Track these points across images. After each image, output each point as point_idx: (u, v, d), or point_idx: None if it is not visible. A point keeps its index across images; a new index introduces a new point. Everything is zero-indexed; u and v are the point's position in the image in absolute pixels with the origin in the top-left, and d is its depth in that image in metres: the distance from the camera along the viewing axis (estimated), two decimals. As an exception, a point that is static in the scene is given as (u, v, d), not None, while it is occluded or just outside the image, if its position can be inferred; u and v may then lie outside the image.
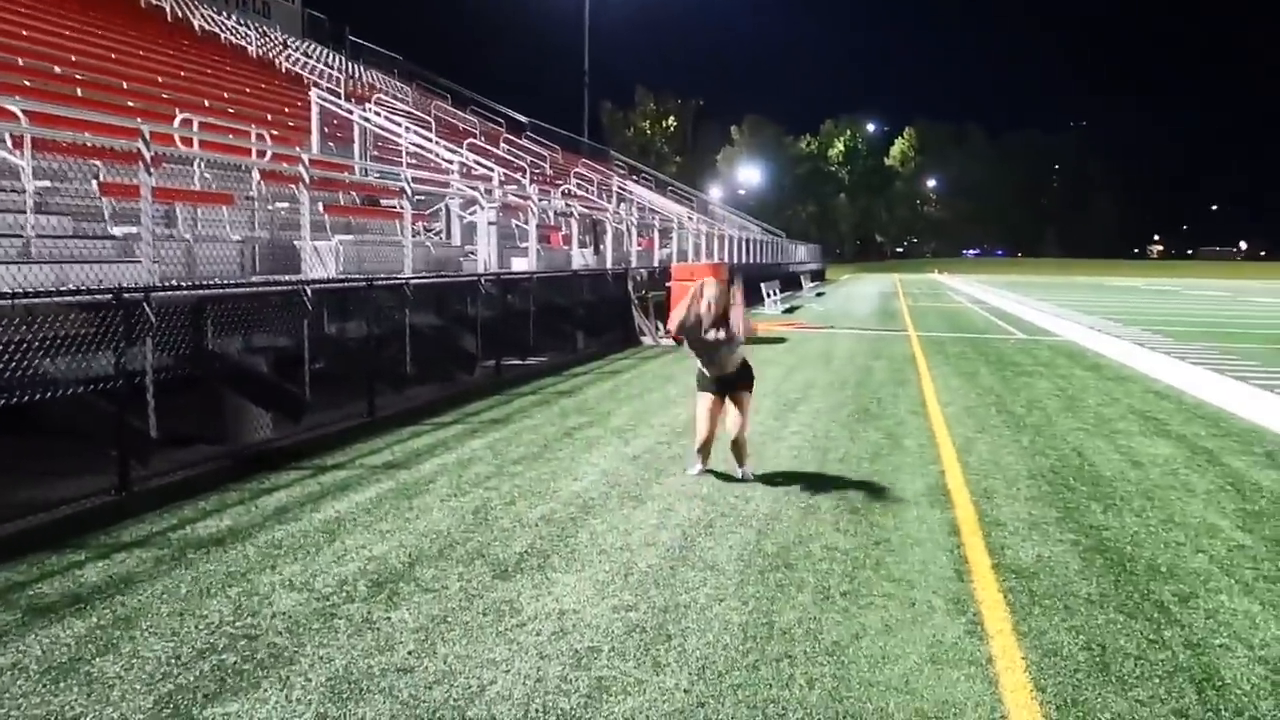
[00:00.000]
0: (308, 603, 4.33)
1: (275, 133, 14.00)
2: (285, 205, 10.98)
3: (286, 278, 8.76)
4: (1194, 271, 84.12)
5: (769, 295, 28.13)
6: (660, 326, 17.17)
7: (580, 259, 17.14)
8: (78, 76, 15.10)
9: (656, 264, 20.81)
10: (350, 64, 35.85)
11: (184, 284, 7.12)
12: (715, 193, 79.22)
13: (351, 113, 18.13)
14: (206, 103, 17.18)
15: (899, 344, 17.10)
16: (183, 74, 19.89)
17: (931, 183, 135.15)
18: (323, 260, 9.58)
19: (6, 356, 5.30)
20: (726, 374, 6.75)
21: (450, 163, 17.52)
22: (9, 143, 7.78)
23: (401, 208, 11.32)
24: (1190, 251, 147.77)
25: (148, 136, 6.88)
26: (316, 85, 22.62)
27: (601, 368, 13.17)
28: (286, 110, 20.48)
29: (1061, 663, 3.82)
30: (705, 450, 6.84)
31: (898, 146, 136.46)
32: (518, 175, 21.10)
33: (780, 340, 17.40)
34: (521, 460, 7.29)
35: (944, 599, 4.48)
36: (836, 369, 13.18)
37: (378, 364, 9.03)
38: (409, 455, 7.42)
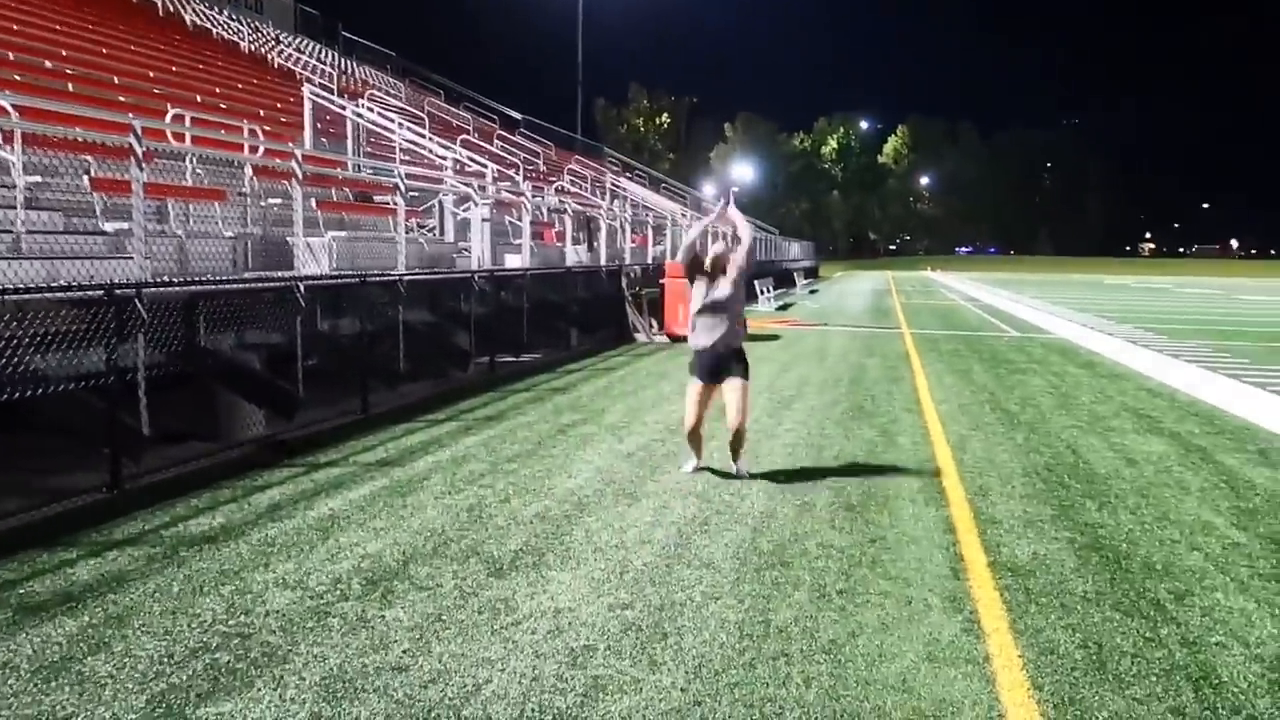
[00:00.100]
0: (301, 601, 4.30)
1: (268, 128, 13.96)
2: (278, 201, 10.94)
3: (279, 274, 8.72)
4: (1186, 269, 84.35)
5: (763, 292, 28.16)
6: (654, 323, 17.15)
7: (574, 256, 17.10)
8: (69, 71, 14.99)
9: (650, 261, 20.78)
10: (343, 60, 35.73)
11: (176, 280, 7.08)
12: (709, 190, 79.18)
13: (344, 108, 18.05)
14: (198, 98, 17.08)
15: (892, 341, 17.12)
16: (174, 69, 19.78)
17: (924, 180, 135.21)
18: (316, 256, 9.53)
19: (-3, 353, 5.26)
20: (718, 348, 6.53)
21: (444, 159, 17.46)
22: (-1, 138, 7.73)
23: (395, 204, 11.28)
24: (1186, 250, 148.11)
25: (139, 132, 6.84)
26: (309, 81, 22.54)
27: (595, 365, 13.14)
28: (279, 106, 20.38)
29: (1058, 661, 3.82)
30: (694, 442, 6.77)
31: (891, 144, 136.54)
32: (511, 172, 21.06)
33: (774, 337, 17.40)
34: (516, 457, 7.26)
35: (940, 597, 4.48)
36: (830, 366, 13.18)
37: (371, 361, 8.99)
38: (403, 452, 7.39)
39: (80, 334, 5.73)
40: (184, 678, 3.53)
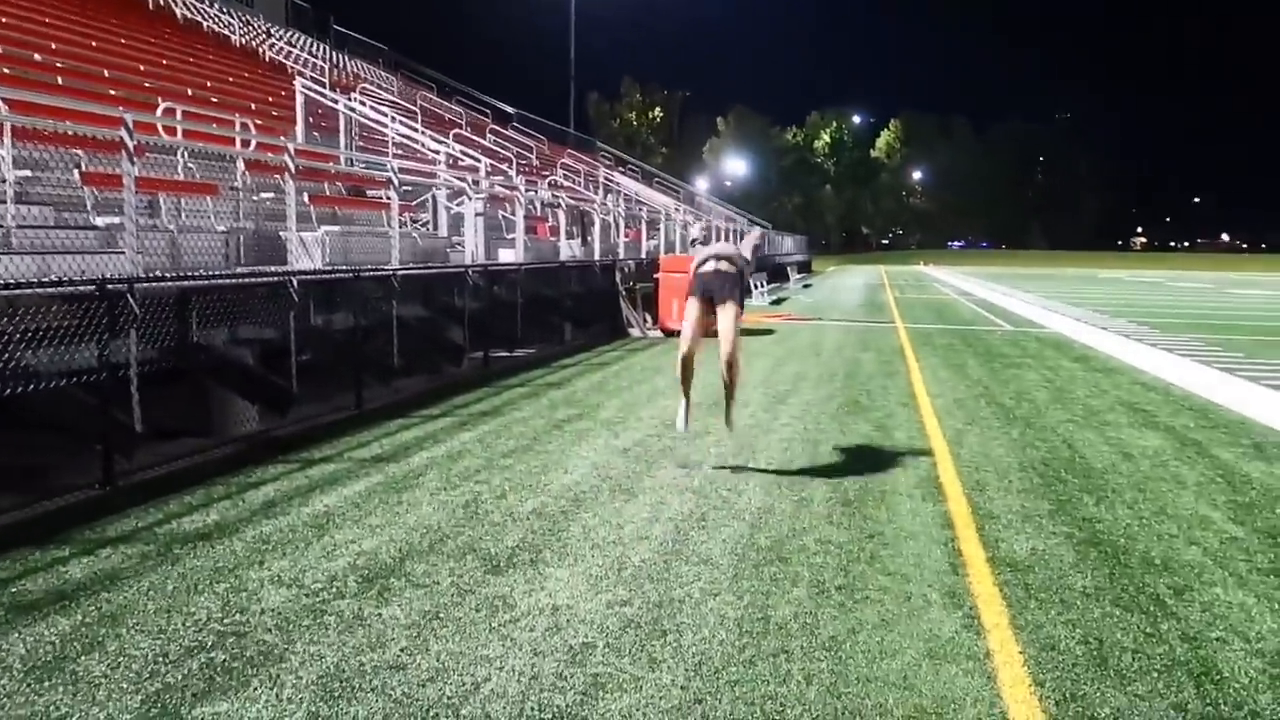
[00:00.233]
0: (297, 599, 4.26)
1: (259, 122, 13.85)
2: (270, 196, 10.86)
3: (272, 269, 8.65)
4: (1178, 263, 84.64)
5: (756, 287, 28.17)
6: (649, 318, 17.12)
7: (568, 250, 17.05)
8: (58, 64, 14.85)
9: (644, 255, 20.74)
10: (335, 53, 35.47)
11: (168, 275, 7.02)
12: (702, 184, 79.17)
13: (336, 102, 17.93)
14: (189, 91, 16.96)
15: (887, 336, 17.11)
16: (165, 63, 19.62)
17: (917, 174, 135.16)
18: (309, 251, 9.47)
19: (-13, 349, 5.20)
20: (721, 266, 6.80)
21: (436, 153, 17.37)
22: (-12, 131, 7.64)
23: (388, 198, 11.22)
24: (1178, 245, 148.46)
25: (130, 125, 6.77)
26: (301, 74, 22.40)
27: (590, 359, 13.11)
28: (270, 100, 20.25)
29: (1059, 657, 3.80)
30: (686, 376, 6.83)
31: (883, 138, 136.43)
32: (504, 166, 20.98)
33: (769, 332, 17.38)
34: (511, 453, 7.23)
35: (940, 593, 4.46)
36: (825, 361, 13.17)
37: (365, 356, 8.94)
38: (398, 448, 7.35)
39: (72, 329, 5.68)
40: (179, 677, 3.50)
